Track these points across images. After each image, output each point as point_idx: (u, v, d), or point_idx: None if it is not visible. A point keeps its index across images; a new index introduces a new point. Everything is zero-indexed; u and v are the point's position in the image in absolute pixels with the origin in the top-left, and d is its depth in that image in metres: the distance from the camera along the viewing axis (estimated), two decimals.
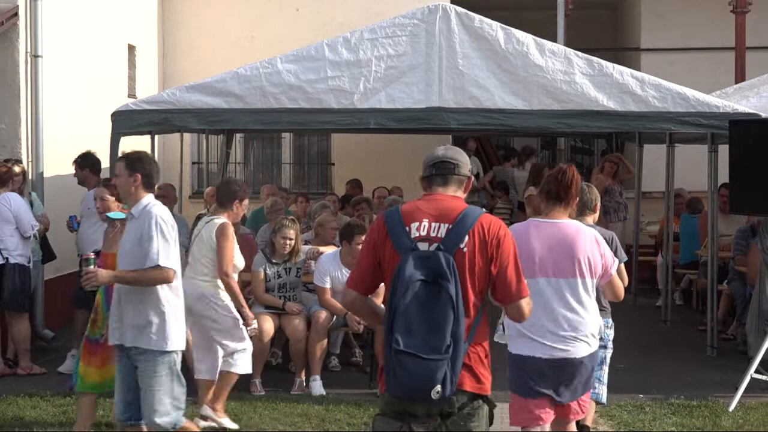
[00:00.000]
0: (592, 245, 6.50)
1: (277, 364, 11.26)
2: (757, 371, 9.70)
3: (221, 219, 8.87)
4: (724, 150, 10.57)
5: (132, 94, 15.92)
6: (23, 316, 11.09)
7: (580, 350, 6.42)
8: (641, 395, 10.05)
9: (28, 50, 12.50)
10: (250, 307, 10.69)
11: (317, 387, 10.14)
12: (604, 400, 7.83)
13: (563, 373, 6.41)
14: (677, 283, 15.08)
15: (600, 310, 6.89)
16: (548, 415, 6.50)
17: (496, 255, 5.06)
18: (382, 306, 5.29)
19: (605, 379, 7.77)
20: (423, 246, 5.01)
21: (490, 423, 5.16)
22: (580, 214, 7.34)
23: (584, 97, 10.72)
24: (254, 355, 10.24)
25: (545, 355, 6.39)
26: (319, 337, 10.21)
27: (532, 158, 19.27)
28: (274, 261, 10.54)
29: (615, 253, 6.98)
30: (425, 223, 5.08)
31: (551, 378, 6.41)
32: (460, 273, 4.96)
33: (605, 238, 6.97)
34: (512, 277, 5.10)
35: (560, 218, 6.54)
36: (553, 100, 10.75)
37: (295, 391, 10.17)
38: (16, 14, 12.31)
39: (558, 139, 21.60)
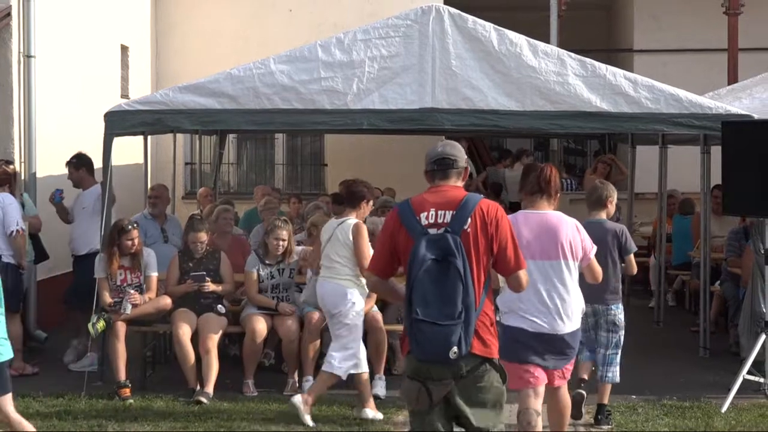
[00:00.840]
0: (574, 232, 7.33)
1: (270, 364, 11.24)
2: (749, 372, 9.71)
3: (353, 219, 9.38)
4: (716, 151, 10.57)
5: (125, 95, 15.91)
6: (14, 316, 11.06)
7: (562, 328, 7.19)
8: (634, 396, 10.06)
9: (21, 50, 12.49)
10: (242, 308, 10.73)
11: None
12: (617, 380, 8.98)
13: (547, 345, 7.19)
14: (670, 285, 15.09)
15: (613, 294, 8.76)
16: (538, 379, 7.25)
17: (496, 234, 5.84)
18: (401, 285, 6.00)
19: (618, 360, 8.95)
20: (432, 230, 5.76)
21: (504, 381, 5.90)
22: (593, 209, 8.87)
23: (577, 98, 10.72)
24: (247, 356, 10.29)
25: (531, 328, 7.16)
26: (312, 337, 10.20)
27: (524, 159, 19.29)
28: (267, 262, 10.54)
29: (625, 245, 8.72)
30: (432, 212, 5.84)
31: (536, 348, 7.18)
32: (466, 251, 5.70)
33: (616, 231, 8.71)
34: (511, 252, 5.90)
35: (545, 209, 7.35)
36: (546, 101, 10.75)
37: (288, 392, 10.15)
38: (8, 14, 12.30)
39: (551, 140, 21.63)
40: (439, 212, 5.83)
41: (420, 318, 5.63)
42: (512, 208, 18.43)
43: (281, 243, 10.47)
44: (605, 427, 9.02)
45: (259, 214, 12.31)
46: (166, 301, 10.44)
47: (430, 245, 5.69)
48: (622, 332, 8.97)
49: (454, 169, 6.04)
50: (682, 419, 9.25)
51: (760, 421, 9.18)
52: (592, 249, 7.44)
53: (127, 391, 9.89)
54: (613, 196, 8.93)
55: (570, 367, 7.52)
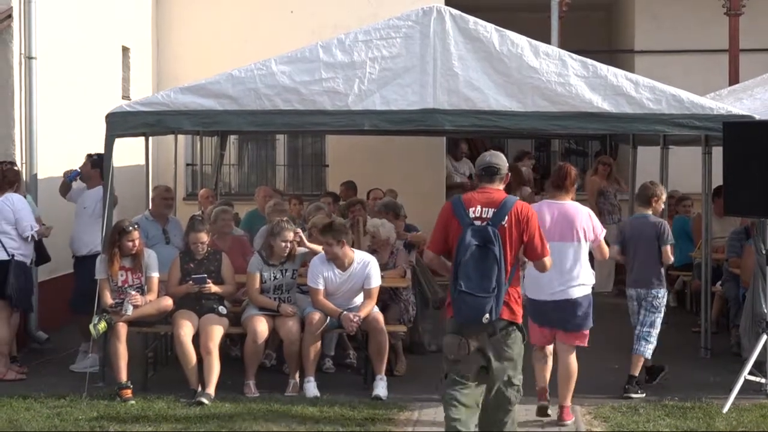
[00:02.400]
0: (587, 219, 9.20)
1: (272, 365, 11.25)
2: (750, 373, 9.72)
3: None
4: (718, 152, 10.57)
5: (126, 96, 15.91)
6: (14, 315, 11.10)
7: (572, 293, 9.10)
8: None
9: (22, 52, 12.48)
10: (243, 309, 10.73)
11: (311, 388, 10.14)
12: (648, 356, 10.28)
13: (562, 310, 9.12)
14: (671, 285, 15.06)
15: (657, 280, 10.28)
16: (549, 339, 9.36)
17: (526, 229, 7.46)
18: (448, 262, 7.53)
19: (653, 340, 10.27)
20: (477, 223, 7.34)
21: (523, 341, 7.54)
22: (640, 205, 10.58)
23: (579, 99, 10.71)
24: (248, 357, 10.29)
25: (547, 297, 9.13)
26: (313, 338, 10.20)
27: (526, 161, 19.33)
28: (271, 263, 10.54)
29: (664, 237, 10.21)
30: (478, 208, 7.43)
31: (552, 314, 9.17)
32: (502, 241, 7.30)
33: (656, 225, 10.27)
34: (538, 243, 7.54)
35: (563, 200, 9.28)
36: (548, 101, 10.74)
37: (289, 393, 10.17)
38: (9, 16, 12.30)
39: (552, 140, 21.62)
40: (484, 209, 7.42)
41: (463, 290, 7.23)
42: None
43: (288, 245, 10.49)
44: (635, 395, 10.05)
45: (267, 216, 12.26)
46: (168, 302, 10.44)
47: (474, 234, 7.30)
48: (659, 315, 10.28)
49: (497, 175, 7.64)
50: (683, 420, 9.25)
51: (762, 421, 9.18)
52: (602, 232, 9.29)
53: (128, 392, 9.89)
54: (660, 195, 10.48)
55: (579, 339, 9.25)
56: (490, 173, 7.63)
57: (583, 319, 9.19)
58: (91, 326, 10.02)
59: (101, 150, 10.89)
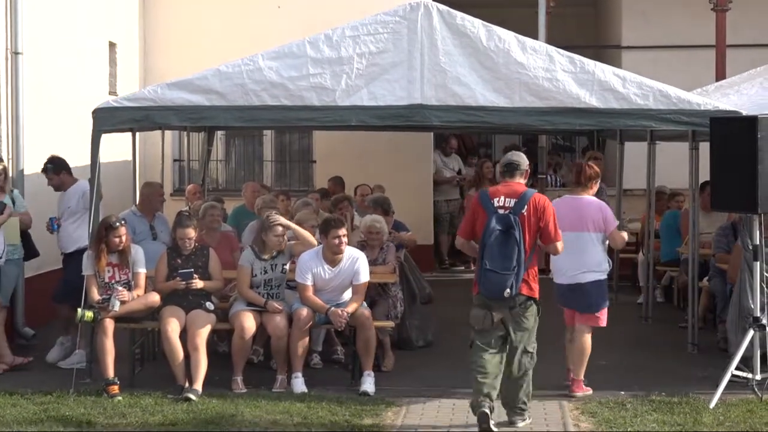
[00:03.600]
0: (598, 211, 10.01)
1: (259, 361, 11.25)
2: (737, 368, 9.73)
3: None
4: (705, 147, 10.59)
5: (113, 91, 15.87)
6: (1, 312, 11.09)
7: (585, 278, 9.91)
8: (622, 392, 10.08)
9: (8, 47, 12.46)
10: (230, 305, 10.72)
11: (299, 384, 10.13)
12: None
13: (576, 293, 9.97)
14: (658, 281, 15.11)
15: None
16: (573, 319, 10.12)
17: (542, 217, 8.75)
18: (476, 246, 8.83)
19: None
20: (501, 211, 8.64)
21: (538, 314, 8.89)
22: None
23: (566, 95, 10.71)
24: (235, 353, 10.29)
25: (564, 281, 10.04)
26: (301, 334, 10.20)
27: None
28: (263, 257, 10.53)
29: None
30: (502, 198, 8.75)
31: (569, 296, 10.05)
32: (522, 226, 8.60)
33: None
34: (551, 229, 8.82)
35: (580, 194, 10.14)
36: (535, 97, 10.74)
37: (276, 389, 10.16)
38: None
39: (539, 136, 21.63)
40: (506, 199, 8.73)
41: (488, 268, 8.55)
42: None
43: (281, 239, 10.49)
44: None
45: (257, 212, 12.23)
46: (155, 298, 10.42)
47: (498, 220, 8.61)
48: None
49: (518, 171, 8.97)
50: (670, 415, 9.26)
51: (748, 416, 9.20)
52: (614, 223, 10.07)
53: (115, 388, 9.87)
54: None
55: (592, 320, 10.00)
56: (512, 169, 9.00)
57: (594, 303, 9.97)
58: (79, 309, 10.01)
59: (87, 146, 10.83)
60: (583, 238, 9.90)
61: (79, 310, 10.05)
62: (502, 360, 8.81)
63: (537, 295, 8.81)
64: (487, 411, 8.56)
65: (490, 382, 8.69)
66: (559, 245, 8.92)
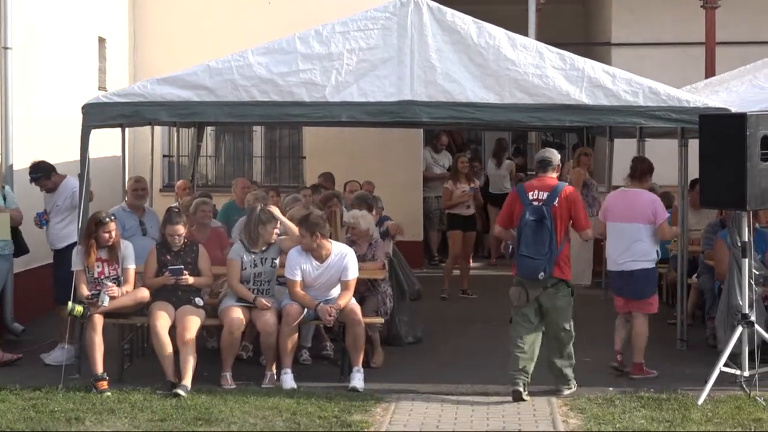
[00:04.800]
0: (649, 204, 10.69)
1: (248, 357, 11.24)
2: (726, 364, 9.75)
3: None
4: (694, 144, 10.61)
5: (102, 87, 15.86)
6: None
7: (632, 266, 10.60)
8: (611, 388, 10.11)
9: None
10: (220, 301, 10.71)
11: (288, 380, 10.13)
12: None
13: (625, 280, 10.69)
14: None
15: None
16: (622, 306, 10.85)
17: (572, 207, 9.80)
18: (513, 233, 9.94)
19: None
20: (535, 203, 9.68)
21: (572, 295, 9.94)
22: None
23: (556, 91, 10.73)
24: (224, 349, 10.28)
25: (614, 268, 10.81)
26: (290, 330, 10.19)
27: (505, 154, 19.51)
28: (253, 251, 10.52)
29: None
30: (536, 192, 9.79)
31: (619, 283, 10.82)
32: (554, 216, 9.64)
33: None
34: (581, 217, 9.88)
35: (634, 188, 10.89)
36: (525, 93, 10.75)
37: (266, 385, 10.16)
38: None
39: (529, 133, 21.66)
40: (540, 192, 9.76)
41: (524, 254, 9.60)
42: (492, 200, 18.65)
43: (275, 232, 10.53)
44: None
45: (248, 209, 12.20)
46: (144, 294, 10.41)
47: (532, 212, 9.65)
48: None
49: (550, 166, 9.94)
50: (659, 411, 9.28)
51: (737, 413, 9.22)
52: (664, 215, 10.75)
53: (104, 384, 9.86)
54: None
55: (644, 307, 10.68)
56: (544, 165, 9.98)
57: (643, 289, 10.66)
58: (69, 303, 10.00)
59: (76, 142, 10.81)
60: (634, 229, 10.58)
61: (69, 303, 10.04)
62: (538, 337, 9.87)
63: (569, 277, 9.86)
64: (521, 389, 9.61)
65: (527, 357, 9.71)
66: (589, 232, 10.12)
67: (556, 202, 9.69)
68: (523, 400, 9.57)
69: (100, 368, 9.93)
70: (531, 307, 9.79)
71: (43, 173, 11.73)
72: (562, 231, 9.72)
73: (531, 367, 9.74)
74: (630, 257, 10.57)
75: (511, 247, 10.12)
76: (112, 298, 10.15)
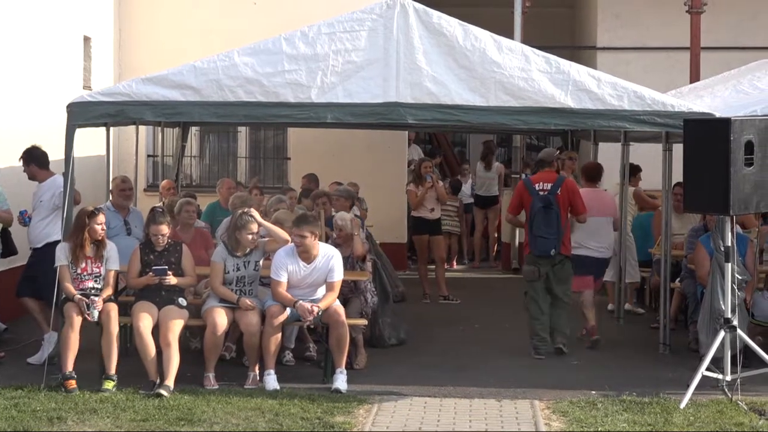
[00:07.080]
0: (613, 201, 12.87)
1: (231, 358, 11.23)
2: (708, 369, 9.78)
3: None
4: (678, 149, 10.63)
5: (87, 86, 15.82)
6: None
7: (603, 254, 12.50)
8: (593, 392, 10.11)
9: None
10: (203, 301, 10.69)
11: (271, 381, 10.12)
12: None
13: (593, 265, 12.37)
14: None
15: None
16: (588, 285, 12.42)
17: (572, 197, 11.76)
18: (522, 220, 12.08)
19: None
20: (541, 193, 11.58)
21: (573, 269, 11.79)
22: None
23: (541, 94, 10.74)
24: (208, 349, 10.26)
25: (588, 254, 12.32)
26: (273, 331, 10.18)
27: (494, 157, 19.53)
28: (236, 254, 10.49)
29: None
30: (542, 183, 11.74)
31: (588, 267, 12.30)
32: (557, 203, 11.54)
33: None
34: (579, 205, 11.81)
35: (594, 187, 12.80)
36: (510, 96, 10.77)
37: (248, 386, 10.15)
38: None
39: (514, 136, 21.68)
40: (545, 184, 11.72)
41: (537, 235, 11.45)
42: (478, 202, 18.67)
43: (254, 236, 10.47)
44: None
45: (232, 210, 12.18)
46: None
47: (540, 200, 11.55)
48: None
49: (548, 163, 12.15)
50: (641, 415, 9.30)
51: (719, 417, 9.24)
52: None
53: (72, 383, 9.83)
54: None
55: (597, 284, 12.74)
56: (545, 164, 12.18)
57: (601, 273, 12.86)
58: (95, 310, 10.01)
59: (61, 141, 10.78)
60: (604, 223, 12.43)
61: (95, 311, 10.03)
62: (547, 307, 11.69)
63: (570, 254, 11.79)
64: (543, 357, 11.49)
65: (542, 326, 11.64)
66: (585, 216, 11.90)
67: (559, 191, 11.61)
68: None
69: (69, 366, 9.90)
70: (541, 282, 11.64)
71: (25, 157, 11.66)
72: (564, 215, 11.63)
73: (546, 332, 11.62)
74: (603, 245, 12.51)
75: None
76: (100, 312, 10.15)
